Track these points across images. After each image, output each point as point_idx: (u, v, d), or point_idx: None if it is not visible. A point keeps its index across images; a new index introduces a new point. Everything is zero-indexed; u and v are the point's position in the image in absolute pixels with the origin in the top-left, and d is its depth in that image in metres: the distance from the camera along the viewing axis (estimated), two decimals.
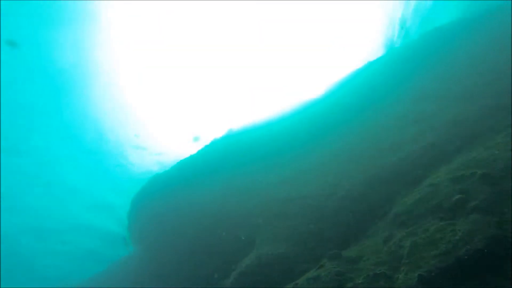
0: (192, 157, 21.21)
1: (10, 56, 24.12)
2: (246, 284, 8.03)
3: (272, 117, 21.33)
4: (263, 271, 8.20)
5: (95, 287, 25.17)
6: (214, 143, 21.33)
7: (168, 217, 18.44)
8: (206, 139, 22.19)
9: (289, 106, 21.99)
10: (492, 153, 8.04)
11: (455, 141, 10.00)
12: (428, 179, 8.25)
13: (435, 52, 19.69)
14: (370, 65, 22.52)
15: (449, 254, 5.58)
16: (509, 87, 11.62)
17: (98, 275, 27.49)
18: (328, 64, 29.10)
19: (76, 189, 35.38)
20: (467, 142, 9.72)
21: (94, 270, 42.09)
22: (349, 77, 21.93)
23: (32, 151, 30.46)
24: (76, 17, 22.86)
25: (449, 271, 5.39)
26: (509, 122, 9.87)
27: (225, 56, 29.47)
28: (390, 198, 8.77)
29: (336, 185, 10.68)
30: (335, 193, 10.36)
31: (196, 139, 20.78)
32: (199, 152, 21.16)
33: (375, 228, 7.97)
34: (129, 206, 22.15)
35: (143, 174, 35.70)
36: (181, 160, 22.13)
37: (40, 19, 22.53)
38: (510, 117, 9.93)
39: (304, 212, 10.47)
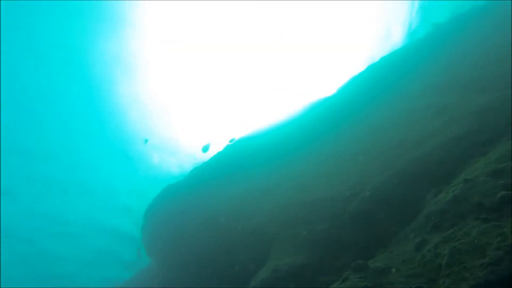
0: (205, 164, 20.55)
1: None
2: None
3: (288, 118, 20.52)
4: (280, 286, 7.35)
5: None
6: (228, 148, 20.64)
7: (182, 228, 17.77)
8: (217, 147, 21.53)
9: (305, 105, 21.18)
10: None
11: (487, 132, 8.97)
12: (462, 174, 7.27)
13: (456, 41, 18.58)
14: (387, 58, 21.51)
15: (501, 263, 4.62)
16: None
17: None
18: (345, 60, 28.37)
19: (95, 191, 35.56)
20: (501, 132, 8.68)
21: (114, 273, 41.97)
22: (366, 71, 20.95)
23: (51, 154, 30.77)
24: (111, 19, 23.20)
25: (503, 285, 4.44)
26: None
27: (238, 60, 29.23)
28: (419, 198, 7.81)
29: (358, 186, 9.76)
30: (357, 194, 9.44)
31: (205, 149, 20.16)
32: (212, 159, 20.51)
33: (404, 233, 7.03)
34: (142, 220, 21.59)
35: (166, 175, 35.82)
36: (194, 168, 21.53)
37: (74, 21, 22.92)
38: None
39: (324, 216, 9.58)
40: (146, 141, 30.03)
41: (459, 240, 5.44)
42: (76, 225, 37.58)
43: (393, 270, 5.84)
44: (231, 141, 19.79)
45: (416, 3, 24.70)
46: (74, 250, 40.66)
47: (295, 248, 8.62)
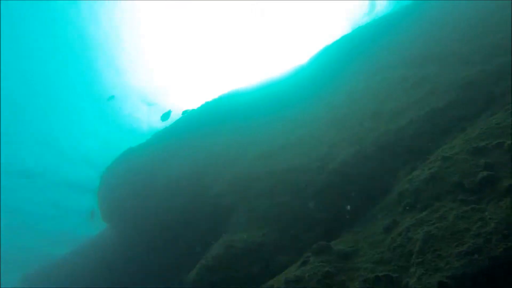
0: (167, 129, 19.43)
1: None
2: (212, 279, 6.47)
3: (257, 84, 19.49)
4: (233, 264, 6.64)
5: (66, 266, 23.96)
6: (192, 112, 19.56)
7: (139, 194, 16.83)
8: (177, 115, 20.51)
9: (277, 72, 20.17)
10: None
11: (468, 106, 8.39)
12: (440, 151, 6.64)
13: (437, 13, 17.87)
14: (363, 28, 20.63)
15: (480, 252, 4.01)
16: None
17: (70, 254, 26.11)
18: (324, 29, 27.43)
19: (61, 141, 34.64)
20: (483, 106, 8.11)
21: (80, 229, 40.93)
22: (340, 40, 20.04)
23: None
24: None
25: (482, 278, 3.85)
26: None
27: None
28: (391, 174, 7.19)
29: (326, 158, 9.06)
30: (325, 167, 8.74)
31: (164, 117, 19.08)
32: (174, 123, 19.42)
33: (373, 212, 6.40)
34: (99, 182, 20.46)
35: (135, 131, 35.15)
36: (155, 132, 20.40)
37: None
38: None
39: (288, 188, 8.87)
40: (111, 97, 28.69)
41: (434, 224, 4.82)
42: (40, 177, 36.19)
43: (359, 254, 5.20)
44: (184, 112, 18.78)
45: None
46: (38, 203, 39.33)
47: (254, 222, 7.91)
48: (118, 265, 17.48)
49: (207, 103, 19.43)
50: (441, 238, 4.49)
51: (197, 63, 31.61)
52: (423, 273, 4.20)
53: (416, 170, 6.60)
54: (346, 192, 7.38)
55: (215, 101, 18.55)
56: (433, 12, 18.51)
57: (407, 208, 5.64)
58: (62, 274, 23.19)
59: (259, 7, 27.01)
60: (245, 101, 17.10)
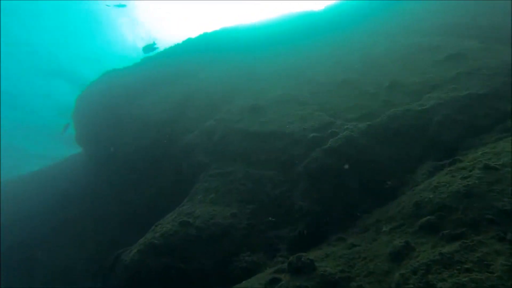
0: (154, 57, 17.37)
1: None
2: (155, 265, 5.00)
3: (259, 23, 17.20)
4: (185, 249, 5.17)
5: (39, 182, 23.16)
6: (183, 44, 17.40)
7: (116, 121, 15.18)
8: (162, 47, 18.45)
9: (286, 13, 17.81)
10: None
11: None
12: (479, 154, 4.99)
13: None
14: None
15: None
16: None
17: (45, 171, 25.17)
18: None
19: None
20: None
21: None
22: None
23: None
24: None
25: None
26: None
27: None
28: (407, 169, 5.58)
29: (328, 128, 7.35)
30: (324, 140, 7.03)
31: (147, 49, 17.04)
32: (163, 52, 17.33)
33: (377, 218, 4.85)
34: (74, 104, 18.76)
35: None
36: (142, 59, 18.31)
37: None
38: None
39: (271, 160, 7.26)
40: (120, 5, 26.54)
41: (471, 272, 3.28)
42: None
43: (352, 284, 3.71)
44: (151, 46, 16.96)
45: None
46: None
47: (223, 194, 6.37)
48: (78, 194, 16.39)
49: (205, 34, 17.22)
50: None
51: None
52: None
53: (441, 173, 5.00)
54: (344, 180, 5.80)
55: (211, 34, 16.32)
56: None
57: (428, 228, 4.10)
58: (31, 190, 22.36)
59: None
60: (243, 40, 14.92)
